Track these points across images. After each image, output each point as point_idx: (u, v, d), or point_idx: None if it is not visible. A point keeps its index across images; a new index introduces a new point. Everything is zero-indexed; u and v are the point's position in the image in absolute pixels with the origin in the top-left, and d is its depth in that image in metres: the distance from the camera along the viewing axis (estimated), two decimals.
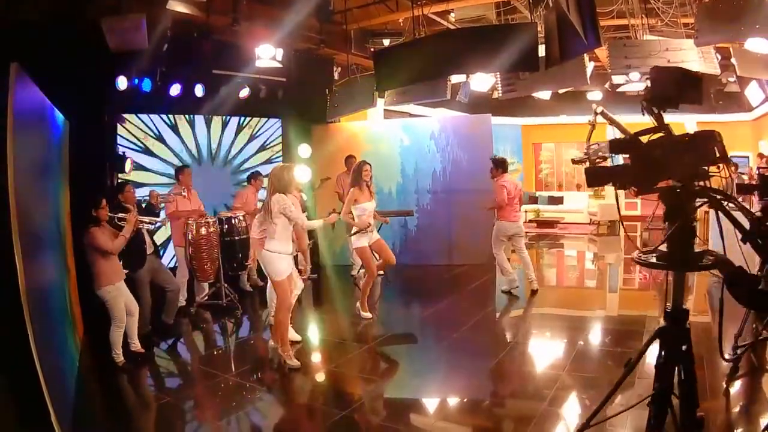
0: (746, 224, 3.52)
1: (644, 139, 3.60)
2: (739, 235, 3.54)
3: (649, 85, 3.73)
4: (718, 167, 3.50)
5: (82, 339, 7.25)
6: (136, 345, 7.04)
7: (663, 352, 3.67)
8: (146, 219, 7.42)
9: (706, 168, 3.45)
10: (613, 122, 5.34)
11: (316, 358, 7.39)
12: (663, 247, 3.60)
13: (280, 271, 6.69)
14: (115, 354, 6.74)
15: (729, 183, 3.65)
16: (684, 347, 3.59)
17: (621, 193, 3.82)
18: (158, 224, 7.81)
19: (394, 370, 7.12)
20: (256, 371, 6.79)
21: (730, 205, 3.51)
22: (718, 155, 3.42)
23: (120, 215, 6.91)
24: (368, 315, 8.56)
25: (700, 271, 3.59)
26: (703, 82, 3.72)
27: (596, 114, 10.00)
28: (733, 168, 3.49)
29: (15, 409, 4.08)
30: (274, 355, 6.95)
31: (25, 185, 4.67)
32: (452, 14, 10.71)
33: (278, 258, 6.66)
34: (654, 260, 3.66)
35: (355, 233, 8.42)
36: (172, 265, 9.72)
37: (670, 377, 3.60)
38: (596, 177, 3.63)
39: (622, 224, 4.57)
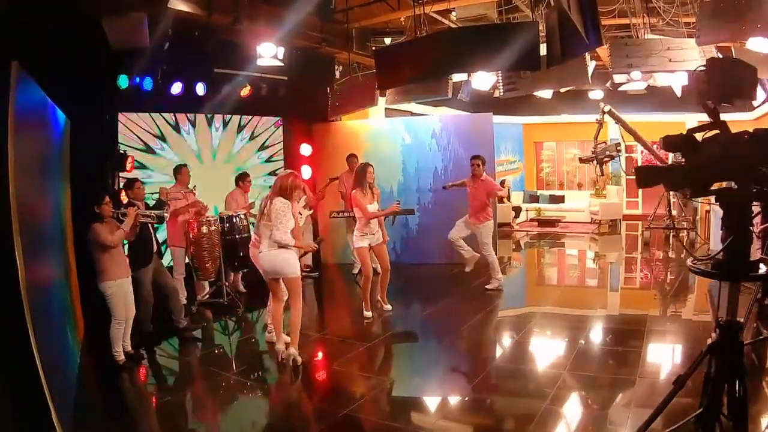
0: None
1: (698, 137, 3.35)
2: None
3: (705, 76, 3.42)
4: None
5: (82, 337, 7.25)
6: (126, 345, 7.01)
7: (714, 368, 3.44)
8: (147, 212, 7.41)
9: (764, 169, 3.14)
10: (619, 121, 5.30)
11: (318, 356, 7.39)
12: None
13: (268, 270, 6.80)
14: (115, 352, 6.74)
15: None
16: (739, 362, 3.39)
17: (668, 193, 3.72)
18: (161, 218, 7.76)
19: (396, 368, 7.12)
20: (258, 370, 6.80)
21: None
22: None
23: (123, 211, 6.92)
24: (369, 314, 8.59)
25: (758, 281, 3.55)
26: (757, 73, 3.49)
27: (604, 113, 9.98)
28: None
29: (15, 406, 4.08)
30: (274, 354, 6.94)
31: (26, 184, 4.67)
32: (453, 13, 10.70)
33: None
34: (709, 269, 3.42)
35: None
36: (168, 265, 9.70)
37: (720, 395, 3.39)
38: (648, 177, 3.39)
39: (675, 229, 4.28)
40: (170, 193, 8.90)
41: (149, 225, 7.49)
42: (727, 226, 3.29)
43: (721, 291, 3.61)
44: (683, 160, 3.37)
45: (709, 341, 3.47)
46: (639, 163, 18.53)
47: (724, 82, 3.28)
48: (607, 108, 9.75)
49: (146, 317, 7.60)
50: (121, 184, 8.53)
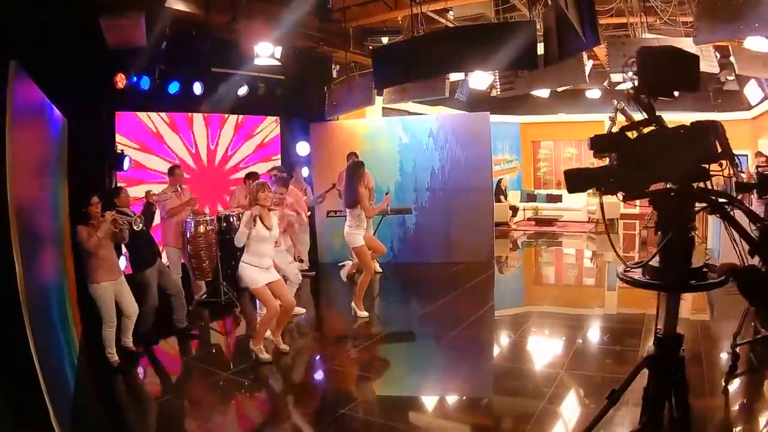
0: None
1: (634, 135, 3.09)
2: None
3: (636, 69, 3.08)
4: (720, 165, 2.92)
5: (81, 338, 7.24)
6: (127, 342, 7.02)
7: (653, 383, 3.19)
8: (126, 218, 7.37)
9: (706, 166, 2.89)
10: (630, 120, 5.15)
11: (314, 356, 7.39)
12: (655, 261, 3.07)
13: (254, 279, 6.69)
14: (108, 354, 6.69)
15: (732, 183, 3.11)
16: (677, 377, 3.13)
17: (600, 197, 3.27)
18: (138, 224, 7.70)
19: (393, 368, 7.12)
20: (255, 369, 6.79)
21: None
22: (720, 150, 2.88)
23: (105, 214, 6.87)
24: (364, 314, 8.53)
25: (701, 291, 3.14)
26: (699, 62, 3.10)
27: (617, 110, 9.97)
28: (736, 167, 2.90)
29: (14, 408, 4.08)
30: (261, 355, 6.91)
31: (24, 183, 4.66)
32: (451, 12, 10.69)
33: (248, 268, 6.69)
34: (643, 277, 3.16)
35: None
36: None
37: (659, 411, 3.15)
38: (578, 181, 3.06)
39: (609, 234, 3.83)
40: (162, 194, 8.85)
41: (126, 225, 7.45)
42: (663, 230, 3.02)
43: (659, 301, 3.36)
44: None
45: (646, 355, 3.24)
46: None
47: (657, 74, 2.99)
48: (620, 106, 9.74)
49: (147, 319, 7.59)
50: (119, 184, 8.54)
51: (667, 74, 3.02)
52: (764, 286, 2.89)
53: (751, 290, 2.94)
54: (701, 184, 2.97)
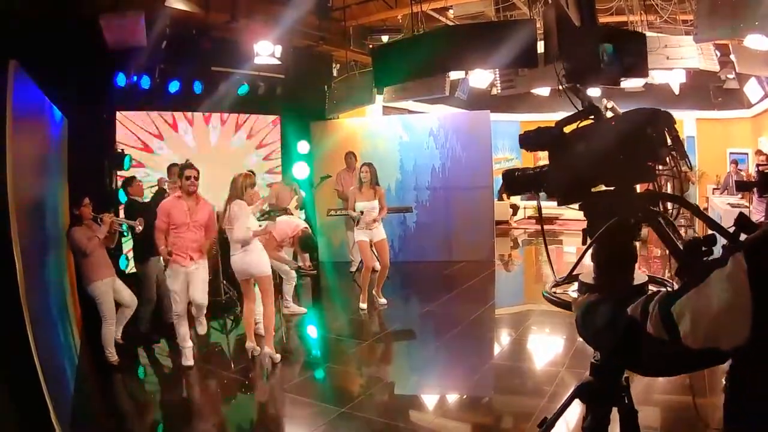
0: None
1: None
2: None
3: (566, 55, 2.47)
4: (672, 159, 2.29)
5: (81, 337, 7.24)
6: (117, 338, 7.03)
7: (590, 419, 2.63)
8: (121, 220, 7.42)
9: (651, 164, 2.31)
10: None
11: (315, 354, 7.40)
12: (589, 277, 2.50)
13: (239, 271, 7.03)
14: (108, 353, 6.71)
15: (682, 183, 2.45)
16: (622, 412, 2.55)
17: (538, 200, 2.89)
18: (132, 228, 7.71)
19: (394, 366, 7.13)
20: (255, 368, 6.79)
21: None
22: (668, 143, 2.26)
23: (101, 216, 6.89)
24: (364, 306, 8.78)
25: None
26: (645, 41, 2.66)
27: (606, 108, 10.00)
28: (688, 162, 2.38)
29: (14, 407, 4.08)
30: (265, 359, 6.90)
31: (24, 183, 4.67)
32: (451, 11, 10.70)
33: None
34: (568, 296, 2.64)
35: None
36: None
37: None
38: (513, 183, 2.65)
39: (545, 241, 3.14)
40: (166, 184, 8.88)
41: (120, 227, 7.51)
42: (597, 242, 2.39)
43: None
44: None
45: (579, 384, 2.68)
46: None
47: (588, 56, 2.53)
48: (610, 104, 9.74)
49: (145, 316, 7.60)
50: (119, 183, 8.55)
51: (599, 56, 2.62)
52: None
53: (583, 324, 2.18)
54: (649, 186, 2.44)
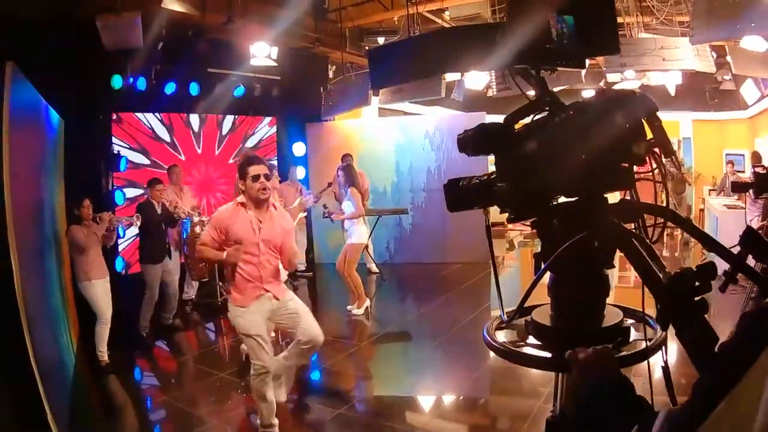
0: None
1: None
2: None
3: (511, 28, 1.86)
4: (654, 158, 1.72)
5: (78, 338, 7.24)
6: (102, 355, 6.80)
7: None
8: (119, 218, 7.42)
9: (626, 165, 1.71)
10: None
11: (311, 356, 7.40)
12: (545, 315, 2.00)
13: None
14: (99, 352, 6.71)
15: (667, 189, 1.83)
16: None
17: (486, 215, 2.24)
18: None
19: (389, 367, 7.13)
20: (250, 369, 6.79)
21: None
22: (647, 137, 1.70)
23: (100, 215, 6.90)
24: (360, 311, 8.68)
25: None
26: (614, 9, 1.93)
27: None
28: (675, 161, 1.93)
29: (11, 407, 4.08)
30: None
31: (21, 184, 4.66)
32: (447, 12, 10.72)
33: None
34: (517, 344, 2.05)
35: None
36: None
37: None
38: (455, 197, 2.13)
39: (493, 262, 2.52)
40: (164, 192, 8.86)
41: (162, 223, 7.57)
42: (553, 271, 1.87)
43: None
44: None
45: None
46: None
47: (542, 33, 1.76)
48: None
49: (145, 317, 7.61)
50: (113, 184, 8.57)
51: (551, 30, 1.77)
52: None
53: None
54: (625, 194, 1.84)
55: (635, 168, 1.74)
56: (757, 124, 15.57)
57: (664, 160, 1.73)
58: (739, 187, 6.31)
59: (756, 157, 12.78)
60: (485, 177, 2.03)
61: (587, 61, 1.97)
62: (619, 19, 9.68)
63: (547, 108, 1.88)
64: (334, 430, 5.24)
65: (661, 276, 1.59)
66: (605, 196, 1.82)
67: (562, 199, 1.90)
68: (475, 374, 6.54)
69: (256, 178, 4.75)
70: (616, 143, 1.63)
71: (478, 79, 11.24)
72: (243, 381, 6.46)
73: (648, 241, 1.75)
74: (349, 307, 8.73)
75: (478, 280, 10.33)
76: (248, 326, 4.86)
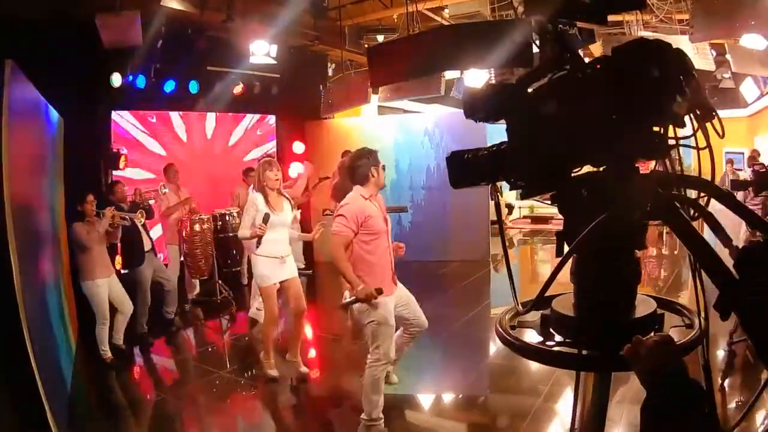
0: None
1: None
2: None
3: None
4: (694, 118, 1.51)
5: (77, 336, 7.24)
6: (118, 340, 7.04)
7: None
8: (122, 214, 7.38)
9: (661, 128, 1.47)
10: None
11: (310, 354, 7.39)
12: (566, 306, 1.76)
13: (263, 276, 6.17)
14: (102, 351, 6.73)
15: (713, 157, 1.59)
16: None
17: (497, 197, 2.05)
18: (141, 219, 7.70)
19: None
20: (251, 368, 6.79)
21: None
22: (686, 93, 1.41)
23: (104, 212, 6.89)
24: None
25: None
26: None
27: None
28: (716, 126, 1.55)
29: (11, 407, 4.08)
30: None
31: (21, 183, 4.66)
32: (446, 10, 10.71)
33: (260, 260, 6.13)
34: (545, 338, 1.76)
35: None
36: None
37: None
38: (463, 172, 1.82)
39: (506, 254, 2.30)
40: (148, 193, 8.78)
41: (139, 225, 7.47)
42: (578, 252, 1.63)
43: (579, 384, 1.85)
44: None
45: None
46: None
47: None
48: None
49: (141, 317, 7.60)
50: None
51: None
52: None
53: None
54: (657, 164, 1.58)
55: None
56: (756, 122, 15.58)
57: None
58: (738, 185, 6.30)
59: (753, 158, 12.76)
60: (494, 148, 1.75)
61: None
62: (619, 17, 9.69)
63: (567, 67, 1.57)
64: (334, 428, 5.24)
65: (728, 251, 1.36)
66: (636, 165, 1.56)
67: (584, 170, 1.62)
68: (475, 372, 6.55)
69: (376, 163, 4.93)
70: (649, 101, 1.39)
71: (477, 77, 11.23)
72: (242, 379, 6.47)
73: (702, 208, 1.52)
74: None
75: (478, 278, 10.34)
76: (387, 316, 4.94)
